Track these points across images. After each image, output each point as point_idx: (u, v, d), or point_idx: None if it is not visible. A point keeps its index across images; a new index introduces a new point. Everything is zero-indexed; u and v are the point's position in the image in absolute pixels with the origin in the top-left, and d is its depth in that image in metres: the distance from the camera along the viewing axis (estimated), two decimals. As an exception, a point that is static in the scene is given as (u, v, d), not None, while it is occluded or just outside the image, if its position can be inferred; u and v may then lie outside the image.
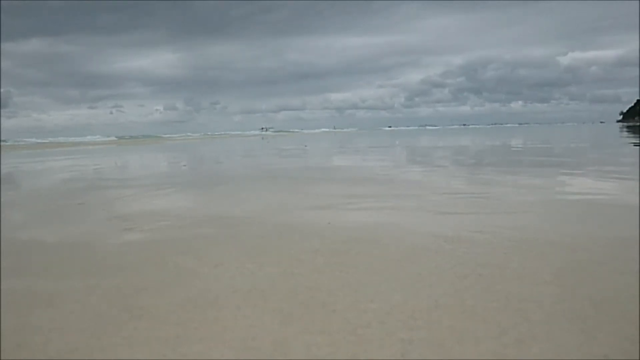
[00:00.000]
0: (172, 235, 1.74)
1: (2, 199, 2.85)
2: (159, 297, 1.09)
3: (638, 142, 7.37)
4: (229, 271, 1.27)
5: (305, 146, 9.28)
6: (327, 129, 66.32)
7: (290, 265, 1.30)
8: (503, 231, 1.61)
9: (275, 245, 1.54)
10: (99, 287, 1.18)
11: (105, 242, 1.66)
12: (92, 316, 0.99)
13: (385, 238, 1.58)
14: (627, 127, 23.29)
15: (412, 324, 0.89)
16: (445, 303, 0.99)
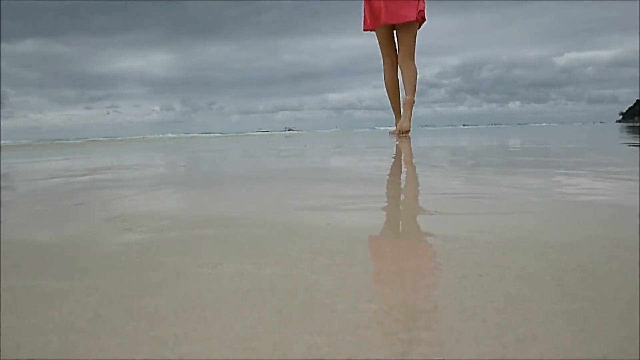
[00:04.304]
0: (171, 236, 1.74)
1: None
2: (158, 297, 1.09)
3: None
4: (228, 271, 1.26)
5: (305, 146, 9.29)
6: (335, 129, 70.42)
7: (289, 265, 1.30)
8: (503, 231, 1.61)
9: (274, 245, 1.54)
10: (98, 287, 1.18)
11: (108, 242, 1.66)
12: (91, 316, 0.99)
13: (385, 238, 1.58)
14: (629, 127, 23.18)
15: (412, 324, 0.89)
16: (445, 303, 0.99)
